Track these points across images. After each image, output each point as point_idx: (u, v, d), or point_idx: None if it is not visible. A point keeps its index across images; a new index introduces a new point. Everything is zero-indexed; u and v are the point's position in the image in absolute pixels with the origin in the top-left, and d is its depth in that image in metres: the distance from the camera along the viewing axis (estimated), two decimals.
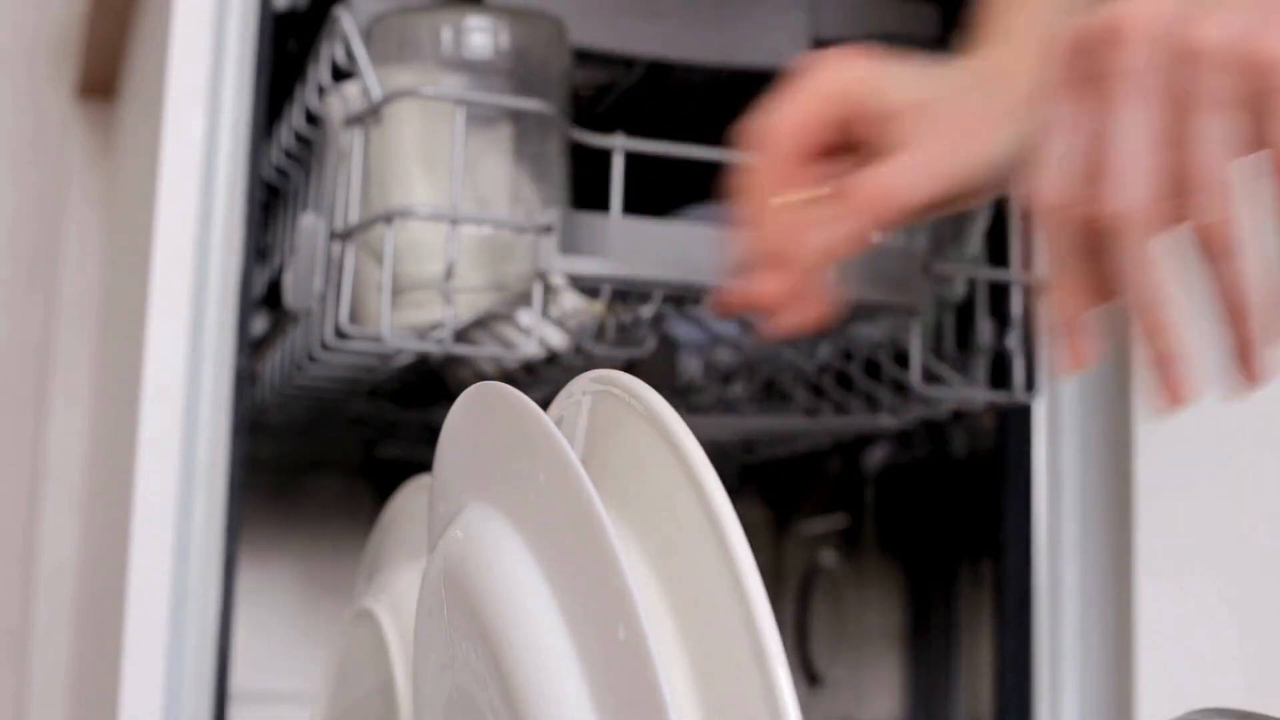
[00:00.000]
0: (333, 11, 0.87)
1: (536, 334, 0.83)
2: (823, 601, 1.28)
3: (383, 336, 0.81)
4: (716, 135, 1.08)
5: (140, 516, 0.84)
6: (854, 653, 1.25)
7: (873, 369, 0.99)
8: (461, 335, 0.84)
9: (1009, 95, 0.68)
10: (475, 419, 0.54)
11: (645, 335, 0.89)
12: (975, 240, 0.95)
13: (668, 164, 0.91)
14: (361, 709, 0.79)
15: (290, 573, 1.24)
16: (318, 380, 0.93)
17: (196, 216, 0.87)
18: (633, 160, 0.88)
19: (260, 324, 1.04)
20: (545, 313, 0.84)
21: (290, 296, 0.86)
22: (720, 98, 1.04)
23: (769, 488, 1.32)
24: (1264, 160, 0.54)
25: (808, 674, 1.27)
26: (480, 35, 0.86)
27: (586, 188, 0.90)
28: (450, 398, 0.82)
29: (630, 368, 0.78)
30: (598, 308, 0.86)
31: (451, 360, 0.88)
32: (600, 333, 0.88)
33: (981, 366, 0.97)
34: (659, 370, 1.06)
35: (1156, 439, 0.93)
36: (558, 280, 0.83)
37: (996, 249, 0.97)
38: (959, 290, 0.95)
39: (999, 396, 0.93)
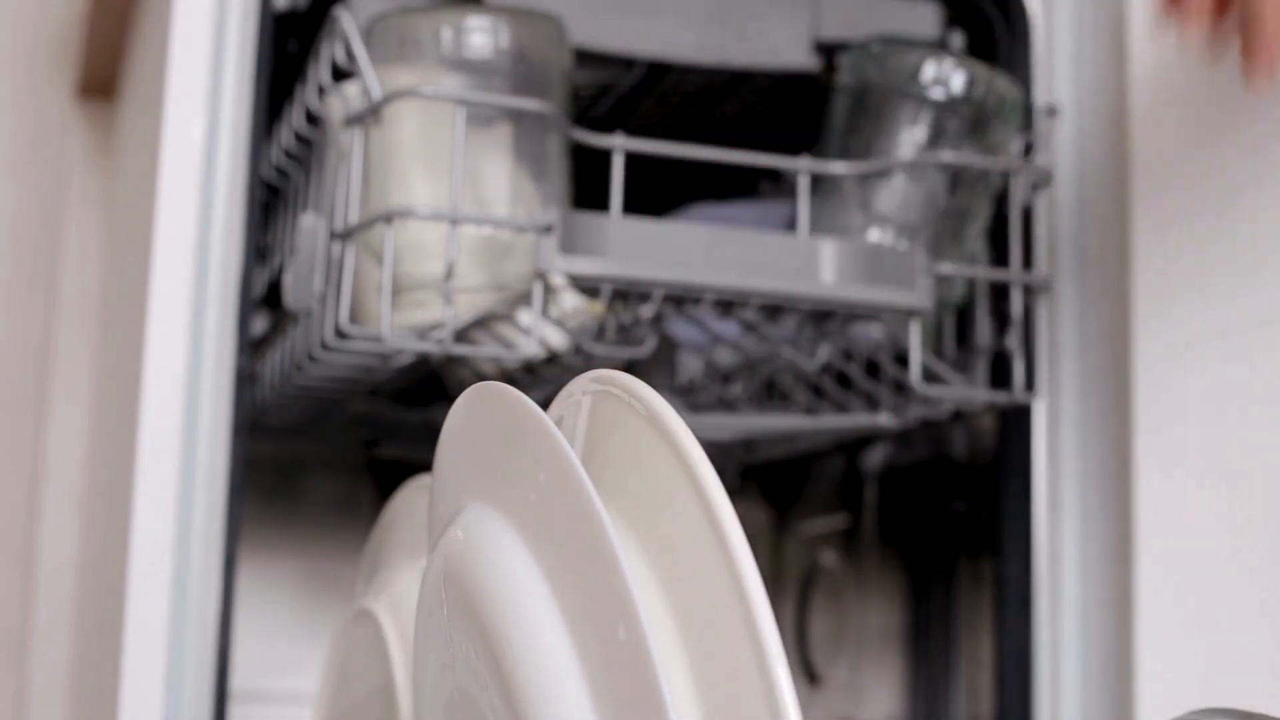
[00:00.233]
0: (333, 11, 0.87)
1: (536, 334, 0.83)
2: (823, 601, 1.28)
3: (383, 336, 0.81)
4: (716, 135, 1.08)
5: (140, 516, 0.84)
6: (854, 653, 1.25)
7: (873, 369, 0.99)
8: (461, 335, 0.84)
9: None
10: (475, 419, 0.54)
11: (645, 335, 0.89)
12: (975, 240, 0.95)
13: (668, 164, 0.91)
14: (361, 709, 0.79)
15: (290, 573, 1.24)
16: (318, 380, 0.93)
17: (196, 216, 0.87)
18: (633, 160, 0.88)
19: (260, 324, 1.04)
20: (545, 313, 0.84)
21: (290, 296, 0.86)
22: (720, 98, 1.04)
23: (769, 488, 1.33)
24: None
25: (808, 674, 1.27)
26: (480, 35, 0.86)
27: (586, 188, 0.90)
28: (450, 398, 0.82)
29: (630, 368, 0.79)
30: (598, 308, 0.86)
31: (451, 360, 0.88)
32: (600, 333, 0.88)
33: (981, 366, 0.97)
34: (659, 370, 1.06)
35: (1156, 439, 0.93)
36: (558, 280, 0.83)
37: (996, 249, 0.97)
38: (959, 290, 0.95)
39: (999, 396, 0.93)
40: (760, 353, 1.00)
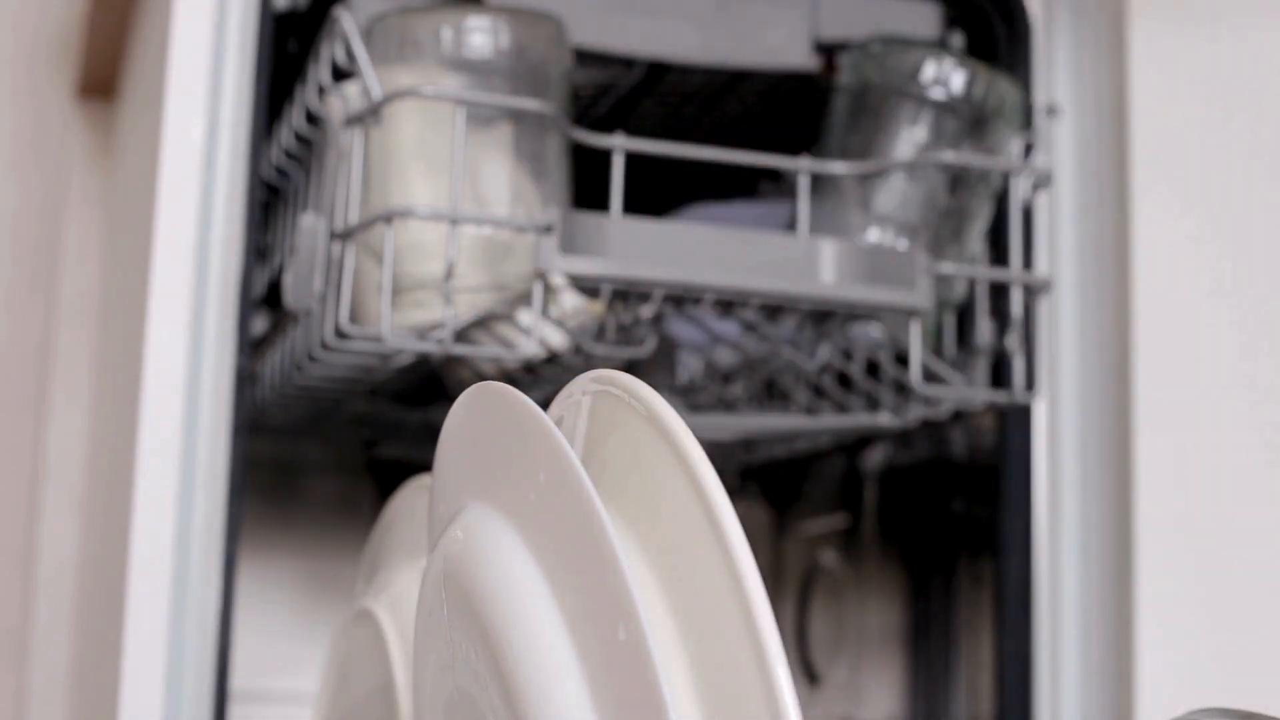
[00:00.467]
0: (333, 11, 0.87)
1: (536, 334, 0.83)
2: (823, 601, 1.28)
3: (383, 336, 0.81)
4: (716, 135, 1.08)
5: (140, 516, 0.84)
6: (854, 653, 1.25)
7: (873, 369, 0.99)
8: (461, 335, 0.84)
9: None
10: (475, 419, 0.54)
11: (645, 335, 0.89)
12: (975, 240, 0.95)
13: (668, 164, 0.91)
14: (361, 709, 0.79)
15: (290, 573, 1.24)
16: (318, 380, 0.93)
17: (196, 216, 0.87)
18: (633, 160, 0.88)
19: (260, 324, 1.04)
20: (545, 313, 0.84)
21: (290, 296, 0.86)
22: (720, 98, 1.04)
23: (769, 488, 1.33)
24: None
25: (808, 674, 1.27)
26: (480, 35, 0.86)
27: (586, 188, 0.90)
28: (450, 398, 0.82)
29: (630, 368, 0.79)
30: (598, 308, 0.86)
31: (451, 360, 0.88)
32: (600, 333, 0.88)
33: (981, 366, 0.97)
34: (659, 370, 1.06)
35: (1156, 439, 0.93)
36: (558, 280, 0.83)
37: (996, 249, 0.97)
38: (959, 290, 0.95)
39: (999, 396, 0.93)
40: (760, 353, 1.00)
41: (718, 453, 1.13)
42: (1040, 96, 0.97)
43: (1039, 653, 0.95)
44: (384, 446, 1.19)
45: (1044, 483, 0.96)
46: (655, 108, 1.05)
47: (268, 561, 1.23)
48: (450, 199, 0.81)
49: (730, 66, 0.97)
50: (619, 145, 0.87)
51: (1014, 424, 0.97)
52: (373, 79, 0.83)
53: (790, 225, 0.96)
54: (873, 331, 0.94)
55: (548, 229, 0.82)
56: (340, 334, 0.83)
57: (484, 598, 0.50)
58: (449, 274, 0.81)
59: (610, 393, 0.51)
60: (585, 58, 0.94)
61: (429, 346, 0.83)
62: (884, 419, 0.97)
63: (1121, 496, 0.93)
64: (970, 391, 0.93)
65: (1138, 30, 0.95)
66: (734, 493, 0.45)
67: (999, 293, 0.94)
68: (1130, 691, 0.90)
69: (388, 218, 0.81)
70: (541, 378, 0.90)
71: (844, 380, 1.01)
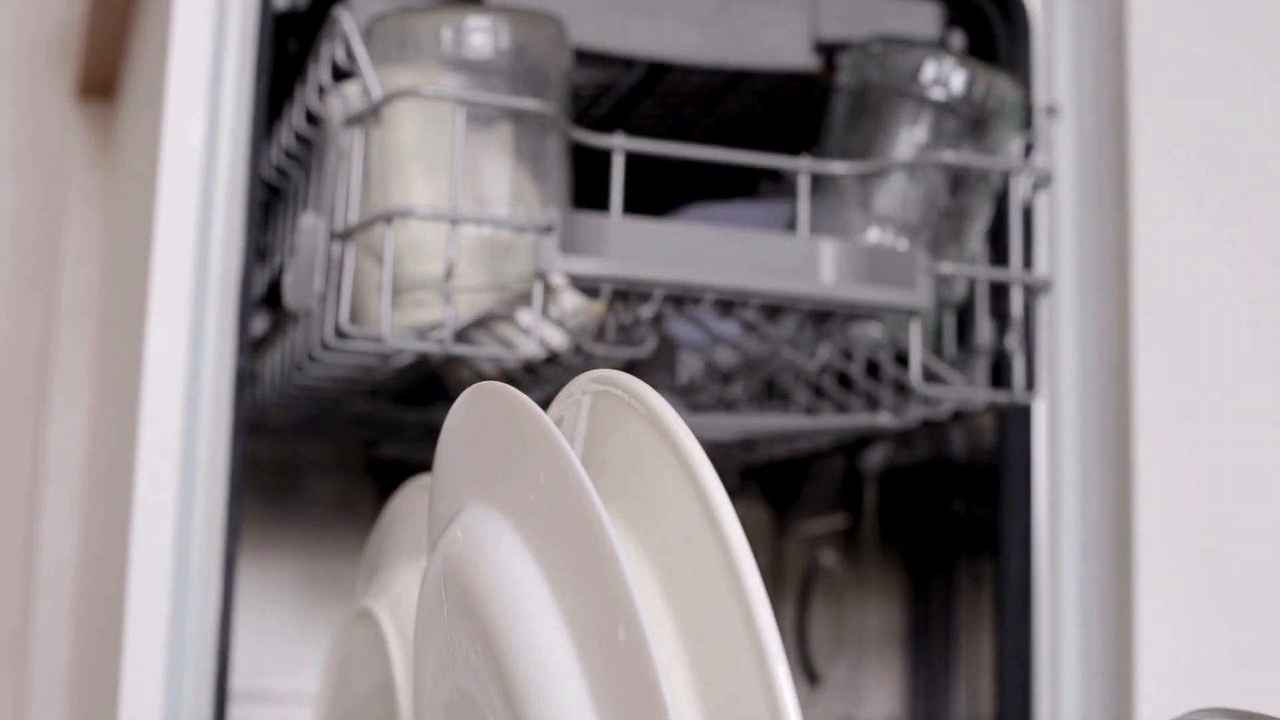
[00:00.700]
0: (333, 11, 0.87)
1: (536, 334, 0.83)
2: (823, 601, 1.28)
3: (383, 336, 0.81)
4: (716, 135, 1.08)
5: (140, 516, 0.84)
6: (854, 653, 1.25)
7: (873, 369, 0.99)
8: (461, 335, 0.84)
9: None
10: (475, 419, 0.54)
11: (645, 335, 0.89)
12: (975, 240, 0.95)
13: (668, 164, 0.91)
14: (361, 709, 0.79)
15: (290, 573, 1.24)
16: (318, 380, 0.93)
17: (196, 216, 0.87)
18: (633, 160, 0.88)
19: (260, 324, 1.04)
20: (545, 313, 0.84)
21: (290, 296, 0.86)
22: (720, 98, 1.04)
23: (769, 488, 1.33)
24: None
25: (808, 674, 1.27)
26: (480, 35, 0.86)
27: (586, 188, 0.90)
28: (450, 398, 0.82)
29: (630, 368, 0.79)
30: (598, 308, 0.86)
31: (451, 360, 0.88)
32: (600, 333, 0.88)
33: (981, 366, 0.97)
34: (659, 370, 1.06)
35: (1156, 439, 0.93)
36: (558, 280, 0.83)
37: (996, 249, 0.97)
38: (959, 290, 0.95)
39: (999, 396, 0.93)
40: (760, 353, 1.00)
41: (718, 453, 1.13)
42: (1040, 96, 0.97)
43: (1039, 653, 0.95)
44: (384, 446, 1.19)
45: (1044, 483, 0.96)
46: (655, 108, 1.05)
47: (268, 561, 1.23)
48: (450, 199, 0.81)
49: (730, 66, 0.97)
50: (619, 145, 0.87)
51: (1014, 424, 0.97)
52: (373, 79, 0.83)
53: (790, 225, 0.96)
54: (873, 331, 0.94)
55: (548, 229, 0.82)
56: (340, 334, 0.83)
57: (484, 598, 0.50)
58: (449, 274, 0.81)
59: (610, 393, 0.51)
60: (585, 58, 0.94)
61: (429, 346, 0.83)
62: (884, 419, 0.97)
63: (1121, 496, 0.93)
64: (970, 391, 0.93)
65: (1138, 30, 0.95)
66: (734, 493, 0.45)
67: (999, 293, 0.94)
68: (1130, 691, 0.90)
69: (388, 218, 0.81)
70: (541, 378, 0.90)
71: (844, 380, 1.01)
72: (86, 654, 1.17)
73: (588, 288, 0.84)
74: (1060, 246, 0.97)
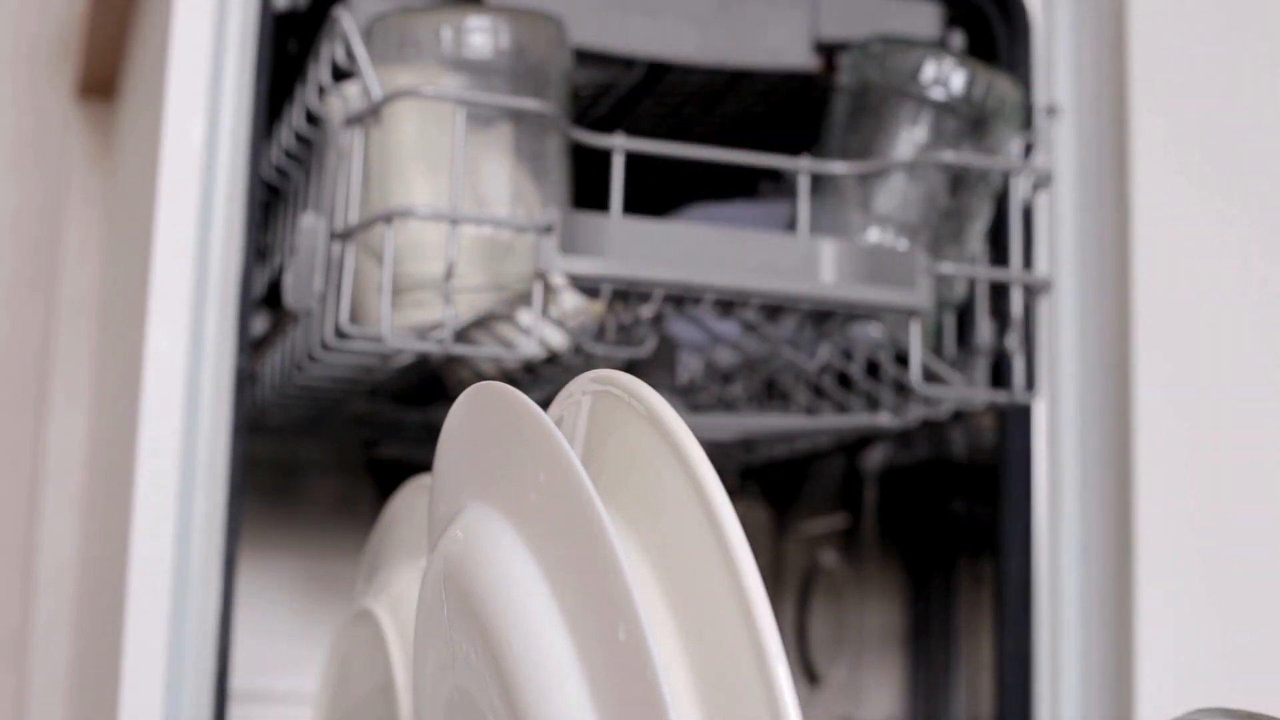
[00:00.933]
0: (333, 11, 0.87)
1: (536, 334, 0.83)
2: (823, 601, 1.28)
3: (383, 336, 0.81)
4: (716, 135, 1.08)
5: (140, 516, 0.84)
6: (854, 653, 1.25)
7: (873, 369, 0.99)
8: (461, 335, 0.84)
9: None
10: (475, 419, 0.54)
11: (645, 335, 0.89)
12: (975, 240, 0.95)
13: (668, 164, 0.91)
14: (361, 709, 0.79)
15: (290, 573, 1.24)
16: (318, 380, 0.93)
17: (196, 216, 0.87)
18: (633, 160, 0.88)
19: (260, 324, 1.04)
20: (545, 313, 0.84)
21: (290, 296, 0.86)
22: (720, 98, 1.04)
23: (769, 488, 1.33)
24: None
25: (808, 674, 1.27)
26: (480, 35, 0.86)
27: (586, 188, 0.90)
28: (450, 398, 0.82)
29: (630, 368, 0.78)
30: (598, 308, 0.86)
31: (451, 360, 0.88)
32: (600, 333, 0.88)
33: (981, 366, 0.97)
34: (659, 370, 1.06)
35: (1156, 439, 0.93)
36: (558, 280, 0.83)
37: (996, 249, 0.97)
38: (959, 290, 0.95)
39: (999, 396, 0.93)
40: (760, 353, 1.00)
41: (718, 453, 1.13)
42: (1040, 96, 0.97)
43: (1039, 653, 0.95)
44: (384, 446, 1.19)
45: (1044, 483, 0.96)
46: (655, 108, 1.05)
47: (268, 561, 1.23)
48: (450, 199, 0.81)
49: (730, 66, 0.97)
50: (619, 145, 0.87)
51: (1014, 424, 0.97)
52: (373, 79, 0.83)
53: (790, 225, 0.96)
54: (873, 331, 0.94)
55: (548, 229, 0.82)
56: (340, 334, 0.83)
57: (484, 598, 0.50)
58: (449, 274, 0.81)
59: (610, 393, 0.51)
60: (585, 58, 0.94)
61: (429, 346, 0.83)
62: (884, 419, 0.97)
63: (1121, 496, 0.93)
64: (970, 391, 0.93)
65: (1138, 30, 0.95)
66: (734, 493, 0.45)
67: (999, 293, 0.94)
68: (1130, 691, 0.90)
69: (388, 218, 0.81)
70: (541, 378, 0.90)
71: (844, 380, 1.01)
72: (86, 654, 1.17)
73: (588, 288, 0.84)
74: (1060, 246, 0.97)
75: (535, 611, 0.47)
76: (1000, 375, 0.96)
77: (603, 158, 0.88)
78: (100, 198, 1.41)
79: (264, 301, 1.01)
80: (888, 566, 1.25)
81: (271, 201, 1.00)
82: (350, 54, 0.84)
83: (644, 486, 0.49)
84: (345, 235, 0.83)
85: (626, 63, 0.97)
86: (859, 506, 1.27)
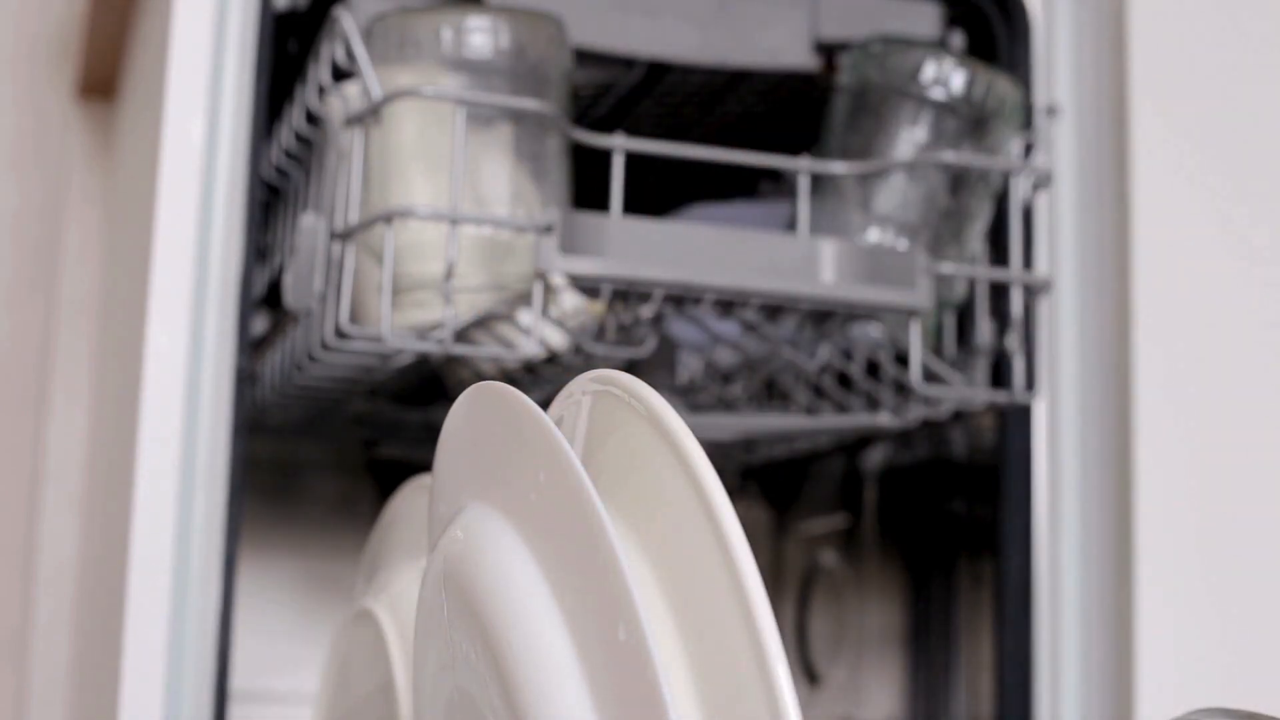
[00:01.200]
0: (333, 11, 0.87)
1: (536, 334, 0.83)
2: (823, 601, 1.28)
3: (383, 336, 0.81)
4: (716, 135, 1.08)
5: (140, 516, 0.84)
6: (854, 653, 1.25)
7: (873, 369, 0.99)
8: (461, 335, 0.84)
9: None
10: (475, 419, 0.54)
11: (645, 335, 0.89)
12: (975, 240, 0.95)
13: (668, 164, 0.91)
14: (361, 709, 0.79)
15: (290, 573, 1.24)
16: (318, 380, 0.93)
17: (196, 216, 0.87)
18: (633, 160, 0.88)
19: (260, 324, 1.04)
20: (545, 313, 0.84)
21: (290, 296, 0.86)
22: (720, 98, 1.04)
23: (769, 488, 1.33)
24: None
25: (808, 674, 1.27)
26: (480, 35, 0.86)
27: (586, 188, 0.90)
28: (450, 398, 0.82)
29: (630, 368, 0.78)
30: (598, 308, 0.86)
31: (451, 360, 0.88)
32: (600, 333, 0.88)
33: (981, 366, 0.97)
34: (659, 370, 1.06)
35: (1156, 439, 0.93)
36: (558, 280, 0.83)
37: (996, 249, 0.97)
38: (959, 290, 0.95)
39: (999, 396, 0.93)
40: (760, 353, 1.00)
41: (718, 453, 1.13)
42: (1040, 96, 0.97)
43: (1039, 653, 0.95)
44: (384, 446, 1.19)
45: (1044, 483, 0.96)
46: (655, 108, 1.05)
47: (268, 561, 1.23)
48: (450, 199, 0.81)
49: (730, 66, 0.97)
50: (619, 145, 0.87)
51: (1014, 424, 0.97)
52: (373, 79, 0.83)
53: (790, 225, 0.96)
54: (873, 331, 0.94)
55: (548, 229, 0.82)
56: (340, 334, 0.83)
57: (484, 598, 0.50)
58: (449, 274, 0.81)
59: (610, 393, 0.51)
60: (585, 58, 0.94)
61: (429, 346, 0.83)
62: (884, 419, 0.97)
63: (1121, 496, 0.93)
64: (970, 391, 0.93)
65: (1138, 30, 0.95)
66: (734, 493, 0.45)
67: (999, 293, 0.94)
68: (1130, 691, 0.90)
69: (388, 218, 0.81)
70: (541, 378, 0.90)
71: (844, 380, 1.01)
72: (86, 654, 1.17)
73: (588, 288, 0.84)
74: (1060, 246, 0.97)
75: (535, 611, 0.48)
76: (1000, 375, 0.96)
77: (603, 158, 0.88)
78: (100, 198, 1.41)
79: (264, 301, 1.01)
80: (888, 566, 1.25)
81: (271, 201, 1.00)
82: (350, 54, 0.84)
83: (644, 486, 0.49)
84: (345, 235, 0.83)
85: (626, 63, 0.97)
86: (859, 506, 1.27)
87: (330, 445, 1.25)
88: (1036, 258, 0.97)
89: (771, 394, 1.06)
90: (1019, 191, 0.94)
